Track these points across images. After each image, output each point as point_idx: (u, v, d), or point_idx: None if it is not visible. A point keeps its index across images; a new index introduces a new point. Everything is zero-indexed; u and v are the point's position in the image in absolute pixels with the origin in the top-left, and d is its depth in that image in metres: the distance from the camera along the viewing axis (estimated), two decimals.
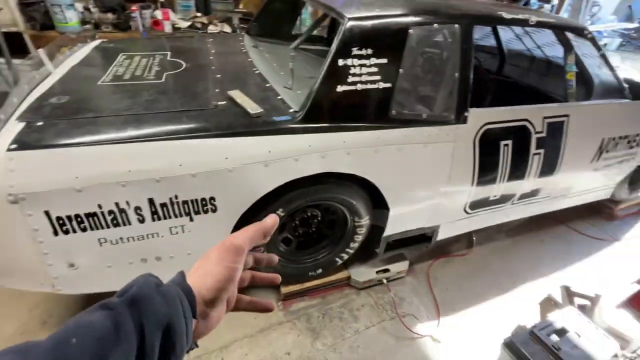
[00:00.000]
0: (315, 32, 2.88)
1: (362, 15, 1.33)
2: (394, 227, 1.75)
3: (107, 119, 1.20)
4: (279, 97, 1.47)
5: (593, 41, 1.87)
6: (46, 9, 2.95)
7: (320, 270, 1.80)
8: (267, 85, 1.59)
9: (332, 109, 1.33)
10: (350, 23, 1.30)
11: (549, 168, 1.93)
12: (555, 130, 1.83)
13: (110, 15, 3.06)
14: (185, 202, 1.24)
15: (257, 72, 1.75)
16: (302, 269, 1.76)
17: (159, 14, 3.27)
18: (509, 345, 1.47)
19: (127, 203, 1.17)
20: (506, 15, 1.58)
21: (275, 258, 0.51)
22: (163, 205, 1.22)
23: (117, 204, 1.16)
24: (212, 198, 1.26)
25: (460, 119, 1.54)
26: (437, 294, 1.95)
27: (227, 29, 3.40)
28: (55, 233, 1.13)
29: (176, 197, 1.21)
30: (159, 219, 1.24)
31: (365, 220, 1.67)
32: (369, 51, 1.31)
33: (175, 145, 1.16)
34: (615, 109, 2.02)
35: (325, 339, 1.65)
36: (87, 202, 1.12)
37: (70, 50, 1.93)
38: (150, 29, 3.27)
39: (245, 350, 1.57)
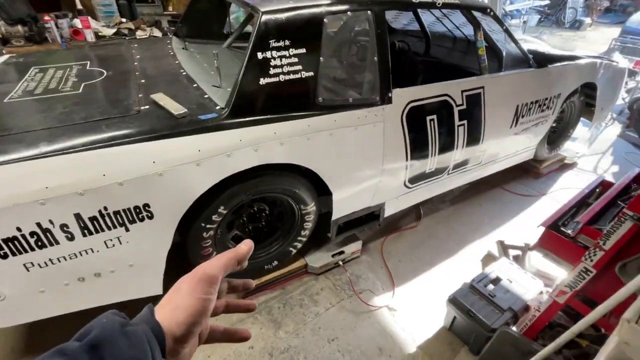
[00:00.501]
0: (250, 29, 2.87)
1: (276, 8, 1.36)
2: (340, 210, 1.82)
3: (15, 137, 1.13)
4: (206, 96, 1.46)
5: (496, 18, 2.07)
6: None
7: (276, 263, 1.84)
8: (194, 85, 1.58)
9: (259, 102, 1.36)
10: (265, 17, 1.33)
11: (474, 137, 2.11)
12: (474, 101, 2.00)
13: (20, 28, 2.81)
14: (117, 213, 1.20)
15: (184, 73, 1.72)
16: (258, 264, 1.78)
17: (78, 22, 3.06)
18: (453, 300, 1.61)
19: (51, 222, 1.11)
20: None
21: (252, 283, 0.48)
22: (92, 219, 1.17)
23: (39, 224, 1.10)
24: (146, 205, 1.24)
25: (385, 99, 1.64)
26: (391, 267, 2.07)
27: (157, 32, 3.27)
28: None
29: (106, 208, 1.18)
30: (91, 233, 1.19)
31: (311, 207, 1.73)
32: (287, 42, 1.35)
33: (95, 155, 1.12)
34: (524, 77, 2.25)
35: (287, 327, 1.69)
36: (3, 227, 1.05)
37: None
38: (70, 39, 3.05)
39: (208, 352, 1.57)
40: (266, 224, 1.79)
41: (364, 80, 1.63)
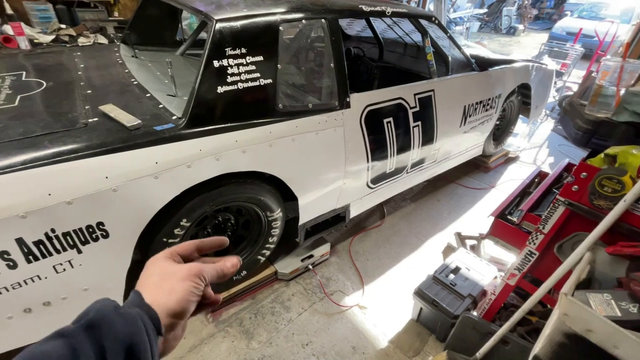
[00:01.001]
0: (205, 36, 2.81)
1: (230, 15, 1.35)
2: (307, 214, 1.84)
3: None
4: (161, 106, 1.41)
5: (440, 26, 2.22)
6: None
7: (244, 273, 1.80)
8: (147, 95, 1.51)
9: (218, 110, 1.34)
10: (219, 24, 1.31)
11: (428, 137, 2.24)
12: (426, 104, 2.13)
13: None
14: (67, 234, 1.11)
15: (136, 83, 1.65)
16: None
17: (9, 29, 2.79)
18: (418, 292, 1.70)
19: None
20: (365, 8, 1.78)
21: (220, 298, 0.49)
22: (38, 243, 1.08)
23: None
24: (99, 223, 1.16)
25: (344, 104, 1.70)
26: (359, 266, 2.13)
27: (103, 39, 3.08)
28: None
29: (53, 230, 1.09)
30: (37, 259, 1.09)
31: (277, 214, 1.72)
32: (243, 50, 1.35)
33: (38, 173, 1.03)
34: (469, 80, 2.44)
35: (260, 336, 1.66)
36: None
37: None
38: (0, 47, 2.76)
39: None
40: (232, 233, 1.75)
41: (322, 86, 1.67)
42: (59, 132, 1.17)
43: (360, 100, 1.77)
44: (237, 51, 1.34)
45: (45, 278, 1.14)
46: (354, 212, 2.13)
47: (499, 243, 1.45)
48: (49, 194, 1.04)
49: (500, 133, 3.31)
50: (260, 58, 1.39)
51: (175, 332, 0.40)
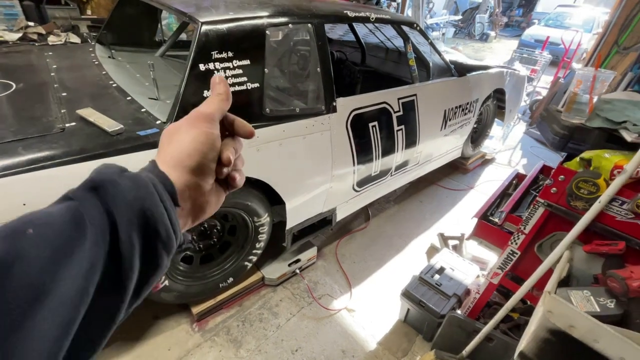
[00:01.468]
0: (185, 37, 2.75)
1: (216, 18, 1.33)
2: (294, 218, 1.83)
3: None
4: (143, 110, 1.36)
5: (422, 32, 2.28)
6: None
7: (231, 279, 1.77)
8: (128, 98, 1.46)
9: None
10: (205, 27, 1.29)
11: (411, 140, 2.29)
12: (409, 108, 2.18)
13: None
14: None
15: (115, 85, 1.58)
16: (212, 283, 1.69)
17: None
18: (405, 293, 1.72)
19: None
20: (350, 14, 1.80)
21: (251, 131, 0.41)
22: None
23: None
24: None
25: (330, 108, 1.70)
26: (346, 269, 2.14)
27: (75, 39, 2.93)
28: None
29: None
30: None
31: (265, 219, 1.70)
32: (230, 54, 1.33)
33: (10, 182, 0.97)
34: (449, 85, 2.52)
35: (249, 344, 1.63)
36: None
37: None
38: None
39: None
40: (218, 240, 1.72)
41: (309, 91, 1.67)
42: (33, 137, 1.10)
43: (347, 105, 1.78)
44: (224, 55, 1.31)
45: None
46: (340, 216, 2.14)
47: (482, 243, 1.50)
48: (24, 204, 0.98)
49: (477, 136, 3.44)
50: (247, 62, 1.38)
51: (201, 198, 0.34)
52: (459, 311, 1.66)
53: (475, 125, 3.18)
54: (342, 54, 3.12)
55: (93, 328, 0.25)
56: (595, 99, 1.09)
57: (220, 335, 1.66)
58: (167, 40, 2.43)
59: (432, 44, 2.36)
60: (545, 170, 1.76)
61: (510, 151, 4.07)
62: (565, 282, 1.10)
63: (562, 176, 1.08)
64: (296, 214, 1.82)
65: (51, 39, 2.78)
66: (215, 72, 1.30)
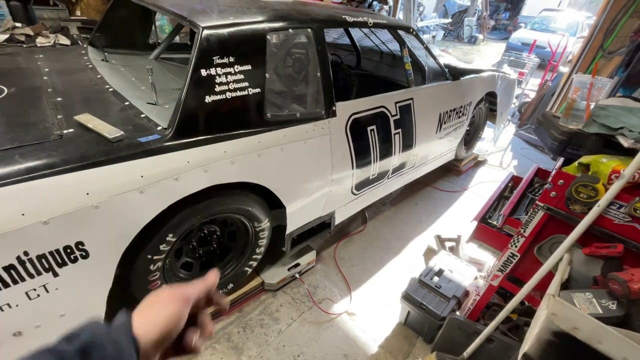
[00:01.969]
0: (178, 39, 2.71)
1: (216, 23, 1.32)
2: (294, 223, 1.82)
3: None
4: (143, 115, 1.34)
5: (417, 37, 2.31)
6: None
7: (231, 285, 1.75)
8: (126, 103, 1.43)
9: (205, 121, 1.29)
10: (206, 32, 1.27)
11: (408, 143, 2.31)
12: (406, 112, 2.20)
13: None
14: (41, 257, 1.02)
15: (111, 89, 1.55)
16: None
17: None
18: (406, 296, 1.74)
19: None
20: (349, 19, 1.81)
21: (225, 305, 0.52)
22: (9, 268, 0.98)
23: None
24: (79, 243, 1.08)
25: (330, 113, 1.71)
26: (345, 272, 2.14)
27: (65, 41, 2.86)
28: None
29: (27, 253, 0.99)
30: (7, 285, 0.99)
31: (265, 224, 1.69)
32: (231, 59, 1.32)
33: (9, 191, 0.94)
34: (444, 89, 2.55)
35: (250, 351, 1.62)
36: None
37: None
38: None
39: None
40: (218, 245, 1.70)
41: (309, 95, 1.67)
42: (30, 145, 1.07)
43: (346, 109, 1.79)
44: (225, 60, 1.30)
45: (17, 306, 1.03)
46: (339, 219, 2.15)
47: (482, 246, 1.53)
48: (22, 214, 0.95)
49: (470, 138, 3.49)
50: (249, 67, 1.37)
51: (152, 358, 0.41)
52: (458, 312, 1.68)
53: (468, 128, 3.23)
54: (337, 57, 3.13)
55: None
56: (592, 106, 1.12)
57: (221, 342, 1.64)
58: (161, 42, 2.41)
59: (427, 48, 2.39)
60: (540, 173, 1.80)
61: (501, 153, 4.15)
62: (565, 284, 1.12)
63: (561, 180, 1.11)
64: (296, 219, 1.82)
65: (40, 41, 2.71)
66: (217, 77, 1.29)
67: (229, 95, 1.33)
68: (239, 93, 1.35)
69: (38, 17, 3.00)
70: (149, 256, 1.31)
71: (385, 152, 2.13)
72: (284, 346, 1.66)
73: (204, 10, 1.45)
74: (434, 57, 2.45)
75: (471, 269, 1.92)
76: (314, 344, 1.69)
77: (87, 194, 1.04)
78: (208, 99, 1.28)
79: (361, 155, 1.95)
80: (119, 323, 0.38)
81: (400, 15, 6.08)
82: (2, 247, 0.94)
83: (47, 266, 1.04)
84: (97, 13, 3.25)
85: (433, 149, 2.72)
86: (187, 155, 1.24)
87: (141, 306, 0.42)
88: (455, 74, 2.69)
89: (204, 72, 1.26)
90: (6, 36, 2.64)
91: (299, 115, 1.59)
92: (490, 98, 3.35)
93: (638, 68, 2.72)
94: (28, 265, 1.01)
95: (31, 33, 2.74)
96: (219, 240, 1.69)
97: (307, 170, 1.70)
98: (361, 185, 2.12)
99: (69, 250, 1.06)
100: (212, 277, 0.50)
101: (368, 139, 1.96)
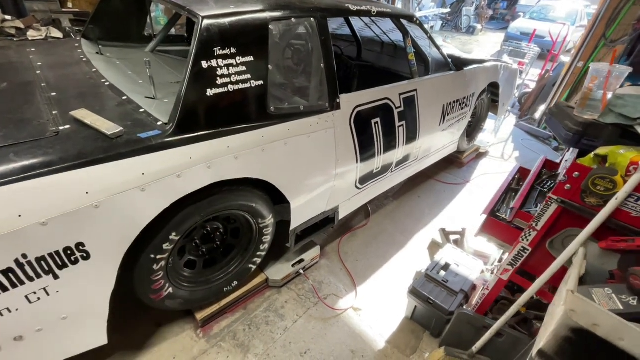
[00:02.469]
0: (174, 31, 2.63)
1: (217, 12, 1.26)
2: (298, 219, 1.79)
3: None
4: (142, 110, 1.29)
5: (421, 26, 2.25)
6: None
7: (235, 283, 1.72)
8: (124, 98, 1.38)
9: (207, 115, 1.24)
10: (206, 22, 1.22)
11: (412, 136, 2.27)
12: (410, 103, 2.15)
13: None
14: (40, 259, 0.98)
15: (107, 83, 1.49)
16: (216, 288, 1.64)
17: None
18: (413, 291, 1.72)
19: None
20: (352, 7, 1.75)
21: None
22: (7, 271, 0.94)
23: None
24: (79, 244, 1.04)
25: (334, 105, 1.66)
26: (349, 267, 2.12)
27: (57, 33, 2.78)
28: None
29: (25, 256, 0.95)
30: (5, 290, 0.96)
31: (269, 220, 1.66)
32: (233, 50, 1.27)
33: (4, 192, 0.89)
34: (447, 80, 2.50)
35: (257, 348, 1.60)
36: None
37: None
38: None
39: None
40: (221, 243, 1.66)
41: (313, 87, 1.62)
42: (25, 142, 1.02)
43: (350, 101, 1.74)
44: (227, 51, 1.25)
45: (17, 310, 1.00)
46: (342, 214, 2.11)
47: (491, 240, 1.50)
48: (19, 215, 0.91)
49: (472, 130, 3.45)
50: (251, 58, 1.32)
51: None
52: (466, 307, 1.66)
53: (470, 119, 3.19)
54: (337, 48, 3.07)
55: None
56: (609, 95, 1.08)
57: (226, 341, 1.62)
58: (156, 35, 2.33)
59: (431, 38, 2.33)
60: (547, 164, 1.77)
61: (502, 144, 4.12)
62: (580, 279, 1.10)
63: (576, 173, 1.08)
64: (300, 214, 1.78)
65: (31, 34, 2.62)
66: (218, 69, 1.23)
67: (231, 88, 1.28)
68: (241, 86, 1.30)
69: (28, 10, 2.90)
70: (152, 255, 1.27)
71: (389, 145, 2.10)
72: (291, 343, 1.64)
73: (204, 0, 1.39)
74: (438, 47, 2.39)
75: (477, 262, 1.90)
76: (320, 340, 1.67)
77: (87, 193, 1.00)
78: (209, 92, 1.23)
79: (365, 149, 1.91)
80: None
81: (399, 4, 5.97)
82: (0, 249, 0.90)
83: (47, 268, 1.00)
84: (90, 5, 3.15)
85: (436, 141, 2.69)
86: (189, 151, 1.19)
87: None
88: (459, 64, 2.65)
89: (204, 64, 1.20)
90: None
91: (302, 108, 1.55)
92: (492, 89, 3.30)
93: None
94: (27, 268, 0.97)
95: (22, 26, 2.65)
96: (223, 238, 1.65)
97: (311, 164, 1.66)
98: (365, 179, 2.09)
99: (69, 252, 1.02)
100: None
101: (372, 132, 1.92)
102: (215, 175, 1.28)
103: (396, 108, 2.05)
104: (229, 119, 1.30)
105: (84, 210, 1.00)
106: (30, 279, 0.99)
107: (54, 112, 1.20)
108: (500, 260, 1.98)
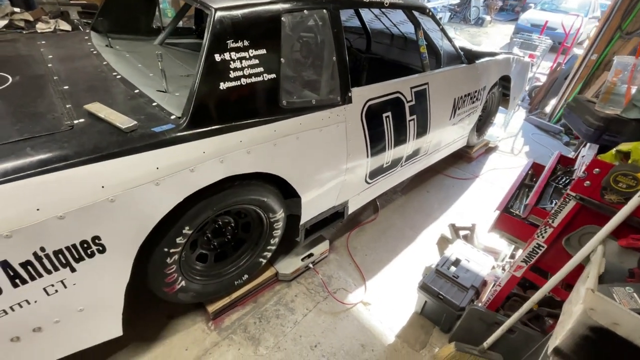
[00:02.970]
0: (181, 24, 2.61)
1: (230, 4, 1.24)
2: (308, 213, 1.79)
3: None
4: (155, 104, 1.28)
5: (434, 18, 2.21)
6: None
7: (246, 276, 1.73)
8: (136, 91, 1.37)
9: (220, 109, 1.24)
10: (219, 14, 1.20)
11: (422, 130, 2.24)
12: (421, 97, 2.12)
13: None
14: (58, 252, 0.99)
15: (119, 76, 1.49)
16: (227, 281, 1.66)
17: None
18: (423, 286, 1.71)
19: None
20: None
21: None
22: (26, 264, 0.95)
23: None
24: (95, 238, 1.04)
25: (346, 99, 1.64)
26: (358, 262, 2.12)
27: (66, 26, 2.77)
28: None
29: (43, 249, 0.96)
30: (24, 282, 0.97)
31: (280, 214, 1.66)
32: (246, 43, 1.25)
33: (22, 186, 0.90)
34: (459, 73, 2.46)
35: (267, 341, 1.61)
36: None
37: None
38: None
39: None
40: (232, 237, 1.67)
41: (325, 81, 1.60)
42: (41, 136, 1.02)
43: (361, 95, 1.72)
44: (239, 44, 1.23)
45: (35, 302, 1.01)
46: (352, 208, 2.11)
47: (504, 236, 1.49)
48: (37, 209, 0.91)
49: (482, 124, 3.41)
50: (263, 51, 1.30)
51: None
52: (477, 303, 1.65)
53: (480, 113, 3.15)
54: (347, 41, 3.02)
55: None
56: (633, 90, 1.05)
57: (237, 333, 1.63)
58: (165, 27, 2.32)
59: (443, 30, 2.29)
60: (562, 160, 1.74)
61: (512, 139, 4.06)
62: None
63: (597, 169, 1.06)
64: (311, 209, 1.78)
65: (40, 27, 2.62)
66: (231, 62, 1.22)
67: (244, 81, 1.26)
68: (254, 79, 1.29)
69: (37, 2, 2.90)
70: (166, 249, 1.28)
71: (400, 140, 2.07)
72: (301, 336, 1.65)
73: None
74: (450, 39, 2.35)
75: (488, 258, 1.89)
76: (330, 334, 1.68)
77: (103, 187, 1.00)
78: (222, 85, 1.22)
79: (376, 143, 1.90)
80: None
81: None
82: (18, 243, 0.91)
83: (64, 261, 1.01)
84: None
85: (446, 136, 2.65)
86: (202, 146, 1.19)
87: None
88: (470, 56, 2.59)
89: (217, 57, 1.19)
90: (5, 22, 2.55)
91: (314, 102, 1.53)
92: (504, 82, 3.24)
93: None
94: (45, 261, 0.98)
95: (30, 19, 2.65)
96: (234, 232, 1.66)
97: (322, 159, 1.65)
98: (375, 174, 2.07)
99: (85, 245, 1.03)
100: None
101: (383, 126, 1.90)
102: (228, 169, 1.28)
103: (407, 102, 2.02)
104: (241, 113, 1.29)
105: (100, 204, 1.00)
106: (48, 272, 1.00)
107: (67, 106, 1.20)
108: (511, 257, 1.96)
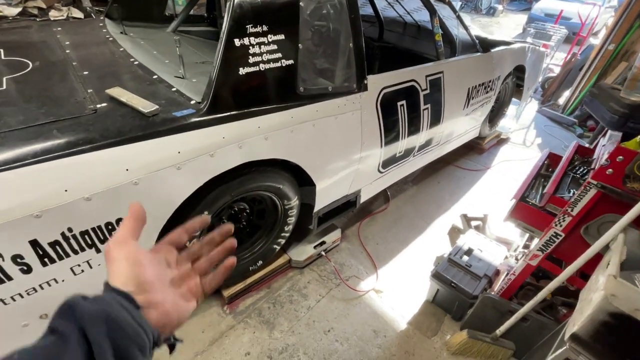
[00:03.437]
0: (192, 12, 2.60)
1: None
2: (322, 201, 1.80)
3: None
4: (174, 89, 1.29)
5: (450, 5, 2.17)
6: None
7: (260, 262, 1.76)
8: (155, 77, 1.38)
9: (239, 94, 1.24)
10: None
11: (436, 120, 2.23)
12: (436, 86, 2.10)
13: None
14: (84, 233, 1.02)
15: (136, 62, 1.50)
16: (242, 267, 1.68)
17: None
18: (436, 275, 1.72)
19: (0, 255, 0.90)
20: None
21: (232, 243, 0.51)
22: (54, 244, 0.97)
23: None
24: (119, 220, 1.06)
25: (362, 87, 1.63)
26: (370, 250, 2.13)
27: (78, 13, 2.77)
28: None
29: (70, 229, 0.98)
30: (53, 261, 0.99)
31: (294, 202, 1.67)
32: (265, 28, 1.24)
33: (52, 167, 0.92)
34: (474, 62, 2.42)
35: (281, 325, 1.65)
36: None
37: None
38: None
39: None
40: (247, 223, 1.69)
41: (341, 68, 1.59)
42: (66, 119, 1.04)
43: (377, 83, 1.71)
44: (258, 29, 1.23)
45: (63, 281, 1.04)
46: (364, 197, 2.11)
47: (520, 225, 1.48)
48: (66, 190, 0.94)
49: (494, 115, 3.36)
50: (282, 37, 1.29)
51: (162, 307, 0.38)
52: (491, 292, 1.66)
53: (493, 104, 3.11)
54: None
55: None
56: None
57: (252, 317, 1.66)
58: (178, 15, 2.31)
59: (459, 18, 2.25)
60: (580, 150, 1.72)
61: (524, 130, 4.01)
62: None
63: (620, 157, 1.04)
64: (324, 197, 1.79)
65: (53, 14, 2.62)
66: (251, 47, 1.22)
67: (262, 67, 1.26)
68: (272, 65, 1.29)
69: None
70: None
71: (413, 129, 2.06)
72: (314, 321, 1.68)
73: None
74: (466, 28, 2.31)
75: (501, 248, 1.89)
76: (343, 319, 1.71)
77: (127, 170, 1.02)
78: (242, 71, 1.22)
79: (390, 132, 1.89)
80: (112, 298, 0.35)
81: None
82: (47, 223, 0.93)
83: (90, 242, 1.04)
84: None
85: (459, 126, 2.63)
86: (222, 131, 1.20)
87: (107, 266, 0.39)
88: (485, 45, 2.55)
89: (237, 42, 1.19)
90: (19, 9, 2.56)
91: (330, 89, 1.52)
92: (518, 72, 3.19)
93: None
94: (72, 241, 1.00)
95: (44, 6, 2.65)
96: (249, 218, 1.68)
97: (337, 147, 1.65)
98: (387, 163, 2.07)
99: (110, 227, 1.06)
100: (199, 220, 0.49)
101: (397, 115, 1.89)
102: (247, 155, 1.29)
103: (422, 90, 2.00)
104: (260, 99, 1.30)
105: (124, 186, 1.02)
106: (75, 252, 1.02)
107: (89, 90, 1.22)
108: (525, 247, 1.96)
